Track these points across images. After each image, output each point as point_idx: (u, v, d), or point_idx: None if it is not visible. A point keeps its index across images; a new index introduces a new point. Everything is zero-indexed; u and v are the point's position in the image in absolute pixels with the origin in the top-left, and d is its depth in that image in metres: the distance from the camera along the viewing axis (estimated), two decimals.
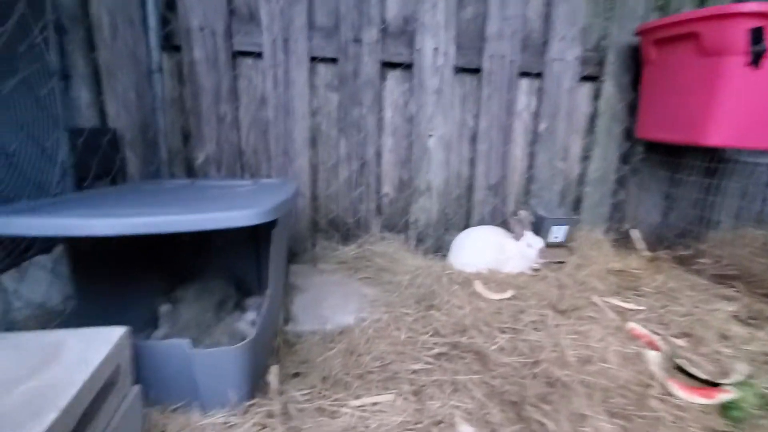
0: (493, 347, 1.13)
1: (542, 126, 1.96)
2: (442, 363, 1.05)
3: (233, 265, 1.39)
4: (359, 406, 0.87)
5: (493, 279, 1.61)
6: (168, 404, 0.79)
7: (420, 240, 1.94)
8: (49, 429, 0.49)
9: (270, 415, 0.80)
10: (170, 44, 1.54)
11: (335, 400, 0.88)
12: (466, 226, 1.99)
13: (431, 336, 1.15)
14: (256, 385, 0.87)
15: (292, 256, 1.77)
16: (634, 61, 1.92)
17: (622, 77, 1.95)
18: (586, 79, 1.94)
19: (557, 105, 1.93)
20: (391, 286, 1.52)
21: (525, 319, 1.29)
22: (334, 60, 1.70)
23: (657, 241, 2.05)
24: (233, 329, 1.07)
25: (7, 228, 0.65)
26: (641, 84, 1.87)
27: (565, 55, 1.88)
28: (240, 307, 1.28)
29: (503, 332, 1.22)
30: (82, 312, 0.94)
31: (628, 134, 2.01)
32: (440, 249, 1.95)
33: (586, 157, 2.04)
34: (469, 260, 1.68)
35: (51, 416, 0.51)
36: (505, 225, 1.88)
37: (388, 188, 1.90)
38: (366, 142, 1.80)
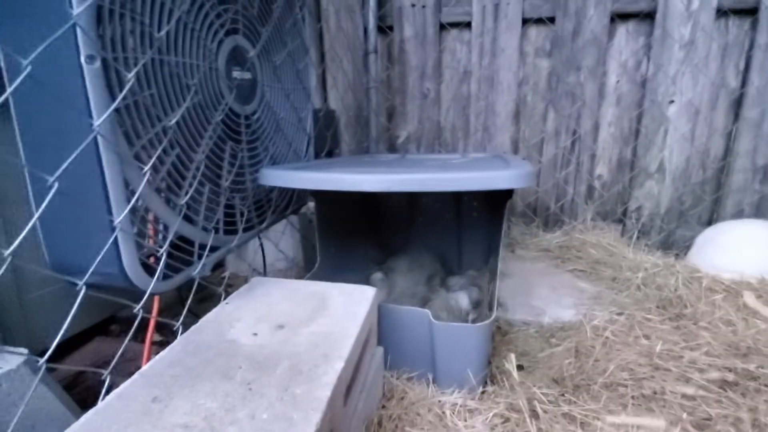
0: None
1: None
2: (729, 393, 0.78)
3: (435, 243, 1.36)
4: (619, 425, 0.70)
5: None
6: (403, 372, 0.78)
7: (643, 232, 1.58)
8: (339, 375, 0.49)
9: (513, 408, 0.70)
10: (383, 25, 1.59)
11: (585, 410, 0.73)
12: (711, 221, 1.54)
13: (701, 354, 0.87)
14: (489, 371, 0.79)
15: None
16: None
17: None
18: None
19: None
20: (616, 283, 1.26)
21: None
22: (549, 20, 1.49)
23: None
24: (448, 305, 1.02)
25: (291, 181, 0.71)
26: None
27: None
28: (444, 284, 1.23)
29: None
30: (321, 271, 1.02)
31: None
32: (670, 246, 1.55)
33: None
34: (729, 263, 1.27)
35: (339, 364, 0.51)
36: None
37: (602, 169, 1.60)
38: (581, 114, 1.54)
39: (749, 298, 1.13)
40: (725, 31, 1.42)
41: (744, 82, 1.43)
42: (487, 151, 1.62)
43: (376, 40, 1.54)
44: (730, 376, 0.81)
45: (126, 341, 0.55)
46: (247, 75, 0.82)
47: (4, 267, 0.39)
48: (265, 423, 0.41)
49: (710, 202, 1.54)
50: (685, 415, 0.72)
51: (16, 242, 0.41)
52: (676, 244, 1.56)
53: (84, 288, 0.49)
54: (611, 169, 1.60)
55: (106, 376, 0.51)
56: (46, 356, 0.43)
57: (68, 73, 0.47)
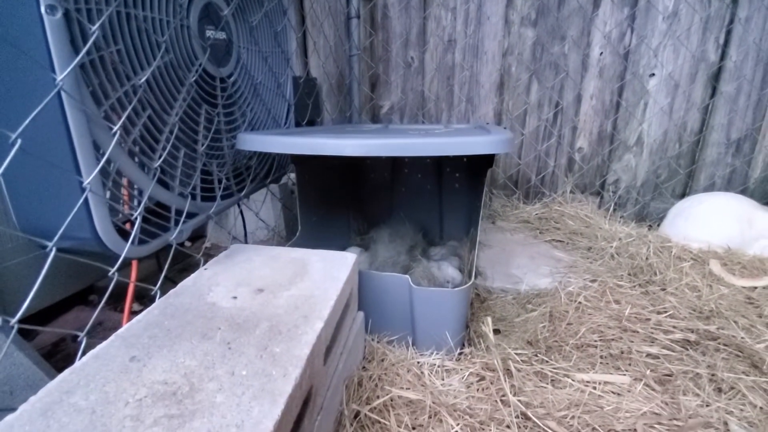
0: (761, 345, 0.84)
1: None
2: (690, 352, 0.82)
3: (417, 214, 1.37)
4: (587, 381, 0.74)
5: (736, 260, 1.23)
6: (384, 335, 0.80)
7: (619, 204, 1.63)
8: (318, 335, 0.50)
9: (488, 367, 0.73)
10: None
11: (556, 368, 0.76)
12: (685, 193, 1.59)
13: (667, 317, 0.92)
14: (466, 334, 0.81)
15: None
16: None
17: None
18: None
19: None
20: (591, 252, 1.30)
21: None
22: None
23: None
24: (430, 274, 1.03)
25: (270, 146, 0.70)
26: None
27: None
28: (425, 254, 1.25)
29: None
30: (302, 240, 1.02)
31: None
32: (645, 217, 1.60)
33: None
34: (699, 233, 1.32)
35: (318, 324, 0.52)
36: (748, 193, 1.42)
37: (583, 142, 1.62)
38: (564, 86, 1.54)
39: (715, 266, 1.19)
40: (708, 3, 1.42)
41: (723, 56, 1.44)
42: (470, 123, 1.61)
43: (358, 4, 1.49)
44: (692, 337, 0.86)
45: (100, 306, 0.54)
46: (222, 35, 0.79)
47: None
48: (244, 379, 0.42)
49: (684, 175, 1.58)
50: (648, 372, 0.76)
51: None
52: (650, 216, 1.61)
53: (54, 250, 0.48)
54: (591, 142, 1.62)
55: (83, 338, 0.50)
56: (17, 316, 0.43)
57: (29, 24, 0.44)
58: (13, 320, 0.42)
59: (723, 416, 0.67)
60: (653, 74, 1.48)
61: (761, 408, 0.69)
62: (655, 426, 0.65)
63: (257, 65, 0.89)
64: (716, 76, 1.47)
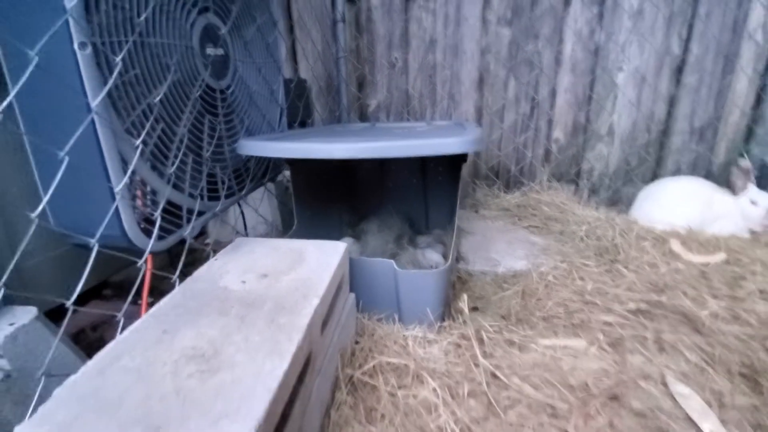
0: (705, 312, 0.96)
1: None
2: (641, 319, 0.94)
3: (404, 206, 1.47)
4: (549, 346, 0.85)
5: (695, 239, 1.35)
6: (373, 314, 0.91)
7: (593, 191, 1.75)
8: (315, 309, 0.60)
9: (464, 337, 0.85)
10: None
11: (524, 336, 0.88)
12: (654, 179, 1.70)
13: (624, 290, 1.04)
14: (447, 310, 0.93)
15: None
16: None
17: None
18: None
19: None
20: (563, 236, 1.41)
21: (749, 287, 1.06)
22: None
23: None
24: (415, 260, 1.14)
25: (268, 151, 0.80)
26: None
27: None
28: (412, 243, 1.36)
29: (716, 298, 1.03)
30: (298, 233, 1.12)
31: None
32: (617, 203, 1.72)
33: None
34: (663, 215, 1.44)
35: (315, 301, 0.62)
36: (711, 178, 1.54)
37: (558, 133, 1.73)
38: (539, 82, 1.65)
39: (674, 245, 1.31)
40: (671, 0, 1.52)
41: (685, 50, 1.55)
42: (452, 119, 1.71)
43: (343, 8, 1.57)
44: (644, 306, 0.98)
45: (132, 294, 0.65)
46: (220, 51, 0.88)
47: (31, 229, 0.48)
48: (257, 343, 0.53)
49: (653, 162, 1.70)
50: (602, 337, 0.88)
51: (39, 207, 0.49)
52: (621, 201, 1.73)
53: (96, 246, 0.58)
54: (567, 133, 1.73)
55: (120, 317, 0.61)
56: (72, 298, 0.53)
57: (65, 57, 0.53)
58: (69, 302, 0.52)
59: (662, 370, 0.79)
60: (621, 69, 1.59)
61: (695, 364, 0.81)
62: (603, 379, 0.76)
63: (252, 76, 0.98)
64: (680, 69, 1.58)
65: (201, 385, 0.45)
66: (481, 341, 0.84)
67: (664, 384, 0.76)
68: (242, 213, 1.17)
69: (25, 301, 0.90)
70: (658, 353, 0.85)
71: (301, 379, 0.56)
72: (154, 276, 0.81)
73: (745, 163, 1.42)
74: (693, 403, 0.71)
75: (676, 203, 1.45)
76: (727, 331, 0.90)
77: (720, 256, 1.25)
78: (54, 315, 1.13)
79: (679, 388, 0.74)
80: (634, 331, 0.90)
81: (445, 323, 0.91)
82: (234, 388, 0.45)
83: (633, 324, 0.93)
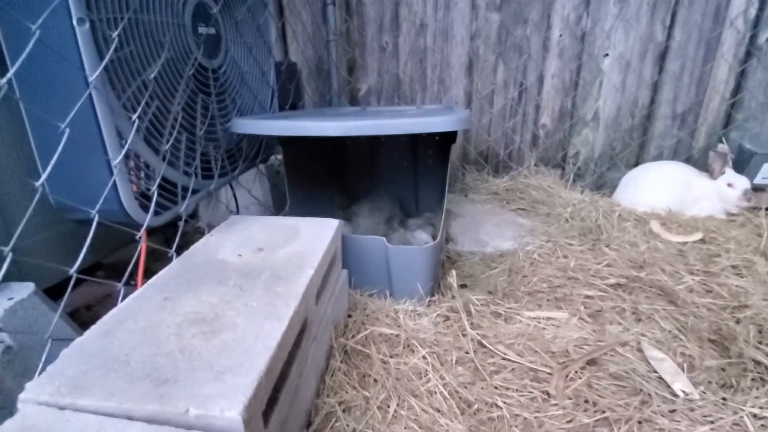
0: (681, 286, 1.02)
1: (765, 37, 1.54)
2: (620, 293, 0.99)
3: (395, 189, 1.50)
4: (533, 318, 0.90)
5: (674, 220, 1.41)
6: (365, 289, 0.94)
7: (579, 175, 1.79)
8: (310, 279, 0.63)
9: (452, 310, 0.88)
10: None
11: (509, 308, 0.92)
12: (637, 163, 1.76)
13: (604, 267, 1.09)
14: (436, 286, 0.96)
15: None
16: None
17: None
18: None
19: None
20: (549, 218, 1.46)
21: (722, 263, 1.12)
22: None
23: None
24: (406, 240, 1.17)
25: (262, 129, 0.81)
26: None
27: None
28: (403, 225, 1.39)
29: (692, 273, 1.08)
30: (291, 213, 1.14)
31: None
32: (602, 186, 1.77)
33: None
34: (645, 198, 1.49)
35: (310, 271, 0.65)
36: (691, 162, 1.60)
37: (546, 119, 1.76)
38: (527, 67, 1.67)
39: (654, 225, 1.36)
40: None
41: (669, 37, 1.59)
42: (441, 103, 1.73)
43: None
44: (623, 281, 1.03)
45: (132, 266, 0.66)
46: (212, 30, 0.88)
47: (35, 200, 0.49)
48: (256, 308, 0.55)
49: (636, 147, 1.75)
50: (582, 308, 0.93)
51: (42, 178, 0.50)
52: (606, 185, 1.77)
53: (97, 217, 0.59)
54: (554, 118, 1.76)
55: (120, 287, 0.62)
56: (75, 266, 0.54)
57: (63, 32, 0.54)
58: (72, 270, 0.54)
59: (638, 338, 0.84)
60: (607, 54, 1.62)
61: (669, 331, 0.86)
62: (583, 347, 0.81)
63: (243, 56, 0.99)
64: (663, 55, 1.62)
65: (205, 344, 0.48)
66: (469, 313, 0.88)
67: (640, 350, 0.81)
68: (234, 194, 1.19)
69: (23, 278, 0.92)
70: (635, 323, 0.90)
71: (297, 343, 0.59)
72: (148, 258, 0.83)
73: (723, 147, 1.48)
74: (666, 365, 0.76)
75: (657, 187, 1.50)
76: (700, 303, 0.95)
77: (697, 236, 1.30)
78: (50, 293, 1.14)
79: (654, 353, 0.79)
80: (613, 303, 0.95)
81: (435, 298, 0.94)
82: (236, 346, 0.47)
83: (612, 297, 0.98)
